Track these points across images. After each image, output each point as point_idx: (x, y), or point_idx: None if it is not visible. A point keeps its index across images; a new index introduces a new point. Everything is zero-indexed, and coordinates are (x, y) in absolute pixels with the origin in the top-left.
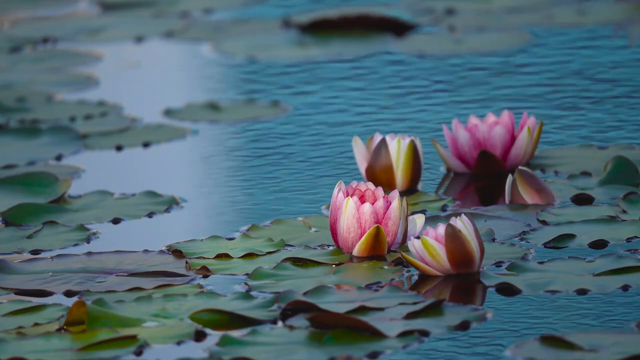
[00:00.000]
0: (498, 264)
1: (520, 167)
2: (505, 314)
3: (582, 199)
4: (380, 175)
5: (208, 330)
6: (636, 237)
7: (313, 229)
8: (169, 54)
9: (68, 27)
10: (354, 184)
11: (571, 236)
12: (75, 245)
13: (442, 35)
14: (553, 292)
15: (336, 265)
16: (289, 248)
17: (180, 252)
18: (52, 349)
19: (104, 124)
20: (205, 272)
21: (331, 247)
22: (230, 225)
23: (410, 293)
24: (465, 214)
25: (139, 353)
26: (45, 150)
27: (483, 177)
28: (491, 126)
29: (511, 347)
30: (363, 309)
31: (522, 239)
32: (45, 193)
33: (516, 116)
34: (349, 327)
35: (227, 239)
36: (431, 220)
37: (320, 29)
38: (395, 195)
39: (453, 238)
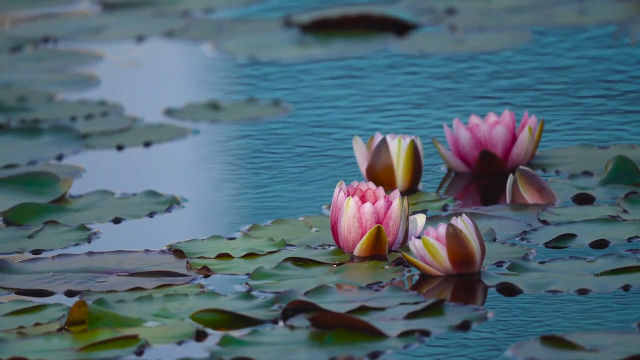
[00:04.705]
0: (499, 264)
1: (521, 167)
2: (506, 314)
3: (583, 199)
4: (380, 175)
5: (209, 330)
6: (637, 236)
7: (314, 229)
8: (170, 54)
9: (69, 26)
10: (355, 183)
11: (572, 236)
12: (76, 245)
13: (443, 35)
14: (554, 292)
15: (337, 265)
16: (290, 248)
17: (181, 251)
18: (53, 348)
19: (104, 123)
20: (206, 272)
21: (332, 247)
22: (231, 225)
23: (411, 293)
24: (466, 213)
25: (139, 353)
26: (46, 149)
27: (484, 177)
28: (492, 126)
29: (512, 347)
30: (364, 309)
31: (523, 239)
32: (46, 193)
33: (517, 115)
34: (350, 327)
35: (228, 238)
36: (432, 220)
37: (321, 28)
38: (396, 195)
39: (454, 238)
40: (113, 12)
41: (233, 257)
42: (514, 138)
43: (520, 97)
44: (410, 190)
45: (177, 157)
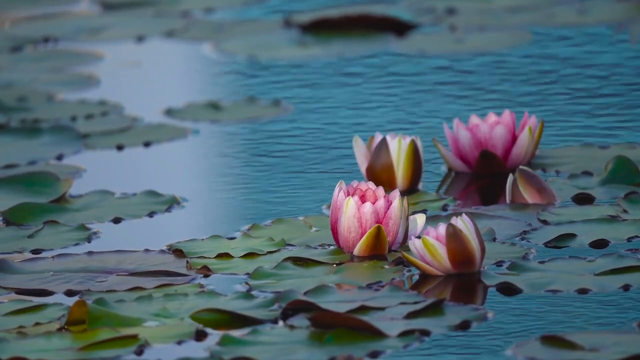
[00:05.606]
0: (499, 264)
1: (521, 167)
2: (506, 314)
3: (583, 199)
4: (380, 175)
5: (209, 330)
6: (637, 236)
7: (314, 229)
8: (170, 54)
9: (69, 26)
10: (355, 183)
11: (572, 236)
12: (76, 244)
13: (443, 35)
14: (554, 291)
15: (337, 264)
16: (290, 248)
17: (181, 251)
18: (52, 348)
19: (104, 123)
20: (206, 271)
21: (332, 247)
22: (231, 224)
23: (411, 292)
24: (466, 213)
25: (139, 352)
26: (46, 149)
27: (484, 177)
28: (492, 126)
29: (512, 347)
30: (364, 309)
31: (523, 239)
32: (46, 193)
33: (517, 116)
34: (350, 327)
35: (227, 238)
36: (432, 220)
37: (321, 28)
38: (396, 194)
39: (454, 237)
40: (113, 12)
41: (233, 257)
42: (514, 138)
43: (521, 97)
44: (410, 190)
45: (177, 157)
